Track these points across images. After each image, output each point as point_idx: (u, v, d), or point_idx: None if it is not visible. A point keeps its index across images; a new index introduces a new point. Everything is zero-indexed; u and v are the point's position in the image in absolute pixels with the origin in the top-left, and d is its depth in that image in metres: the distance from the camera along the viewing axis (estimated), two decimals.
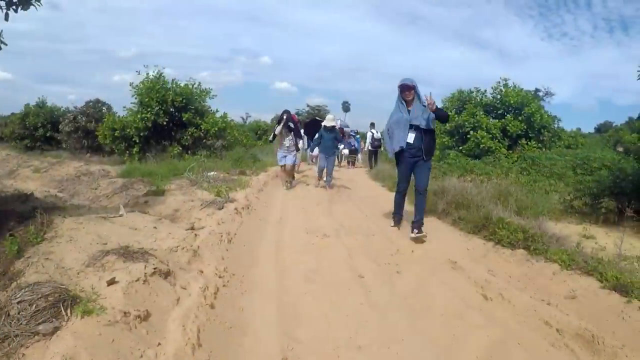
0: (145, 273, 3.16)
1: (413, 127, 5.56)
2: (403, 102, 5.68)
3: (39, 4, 4.65)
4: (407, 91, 5.59)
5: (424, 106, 5.47)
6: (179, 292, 3.25)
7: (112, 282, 2.93)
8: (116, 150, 14.64)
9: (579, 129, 25.73)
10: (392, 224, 6.21)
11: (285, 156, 10.03)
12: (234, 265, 4.12)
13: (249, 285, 3.81)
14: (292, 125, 10.15)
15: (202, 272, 3.74)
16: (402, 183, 6.01)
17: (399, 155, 5.76)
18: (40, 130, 20.60)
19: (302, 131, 13.10)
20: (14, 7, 4.58)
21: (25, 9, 4.65)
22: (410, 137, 5.58)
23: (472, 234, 5.61)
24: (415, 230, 5.41)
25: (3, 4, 4.51)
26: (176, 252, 3.95)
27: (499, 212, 5.76)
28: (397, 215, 6.22)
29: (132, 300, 2.81)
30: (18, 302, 2.49)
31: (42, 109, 21.40)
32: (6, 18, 4.56)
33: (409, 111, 5.60)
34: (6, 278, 3.05)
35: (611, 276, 3.66)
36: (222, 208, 6.15)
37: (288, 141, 10.02)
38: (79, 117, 17.87)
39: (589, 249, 4.72)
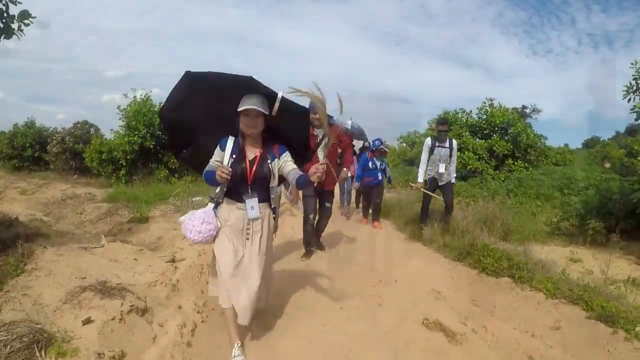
0: (121, 311, 3.12)
1: None
2: None
3: (21, 33, 4.64)
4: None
5: None
6: (155, 330, 3.20)
7: (87, 321, 2.90)
8: (103, 173, 14.51)
9: (567, 145, 25.88)
10: None
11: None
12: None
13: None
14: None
15: (180, 307, 3.69)
16: None
17: None
18: (29, 151, 20.41)
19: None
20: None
21: (8, 38, 4.65)
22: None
23: (457, 262, 5.58)
24: None
25: None
26: (155, 286, 3.90)
27: (484, 238, 5.74)
28: None
29: (107, 341, 2.78)
30: None
31: (30, 129, 21.26)
32: None
33: None
34: None
35: (597, 305, 3.65)
36: None
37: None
38: (67, 139, 17.70)
39: (576, 274, 4.71)
